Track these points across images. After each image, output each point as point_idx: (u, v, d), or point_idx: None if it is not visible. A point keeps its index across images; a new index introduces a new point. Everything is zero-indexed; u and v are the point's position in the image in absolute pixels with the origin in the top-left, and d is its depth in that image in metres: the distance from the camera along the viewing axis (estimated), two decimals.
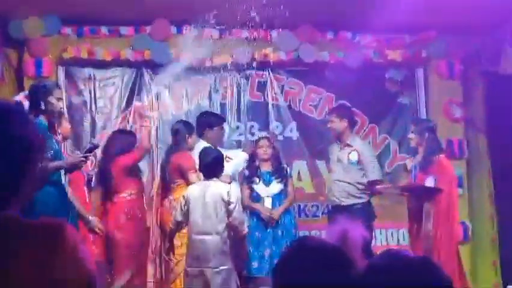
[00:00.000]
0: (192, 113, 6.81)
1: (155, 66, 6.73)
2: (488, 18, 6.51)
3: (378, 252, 1.75)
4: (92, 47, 6.68)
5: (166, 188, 5.80)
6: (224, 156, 5.25)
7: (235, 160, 5.97)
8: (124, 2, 6.07)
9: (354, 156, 5.96)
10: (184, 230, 5.15)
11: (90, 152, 4.72)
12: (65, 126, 5.30)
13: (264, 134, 6.67)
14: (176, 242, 5.34)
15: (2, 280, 1.35)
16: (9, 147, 1.44)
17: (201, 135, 5.85)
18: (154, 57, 6.70)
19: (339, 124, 6.02)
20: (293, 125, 7.17)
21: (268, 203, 5.96)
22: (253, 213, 5.96)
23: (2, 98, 5.72)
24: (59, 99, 4.60)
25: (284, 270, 1.82)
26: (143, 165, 6.40)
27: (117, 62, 6.82)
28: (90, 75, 6.84)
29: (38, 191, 4.10)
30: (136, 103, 5.66)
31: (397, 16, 5.73)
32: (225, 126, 6.42)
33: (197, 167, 5.23)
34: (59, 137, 4.69)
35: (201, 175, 5.14)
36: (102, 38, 6.76)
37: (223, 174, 5.15)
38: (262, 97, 7.15)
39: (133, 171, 5.55)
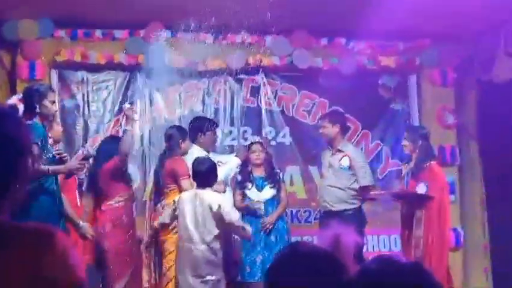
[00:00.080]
0: (185, 117, 6.81)
1: (148, 70, 6.72)
2: (481, 26, 6.55)
3: (370, 258, 1.75)
4: (85, 50, 6.67)
5: (159, 193, 5.78)
6: (216, 161, 5.25)
7: (227, 165, 5.96)
8: (119, 6, 6.07)
9: (345, 162, 5.97)
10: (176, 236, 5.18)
11: (86, 159, 4.74)
12: (57, 129, 5.27)
13: (256, 138, 6.67)
14: (169, 246, 5.34)
15: None
16: (1, 149, 1.44)
17: (193, 140, 5.84)
18: (147, 61, 6.69)
19: (331, 130, 6.03)
20: (286, 130, 7.18)
21: (260, 207, 5.95)
22: (246, 219, 5.95)
23: None
24: (53, 102, 4.59)
25: (276, 275, 1.82)
26: (134, 170, 6.39)
27: (110, 66, 6.81)
28: (83, 78, 6.83)
29: (31, 197, 4.09)
30: (125, 105, 5.63)
31: (391, 23, 5.76)
32: (218, 131, 6.41)
33: (190, 172, 5.24)
34: (50, 141, 4.67)
35: (194, 182, 5.15)
36: (96, 41, 6.75)
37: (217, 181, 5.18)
38: (256, 102, 7.16)
39: (121, 177, 5.48)
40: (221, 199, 5.05)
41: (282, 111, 7.19)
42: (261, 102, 7.15)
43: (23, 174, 1.47)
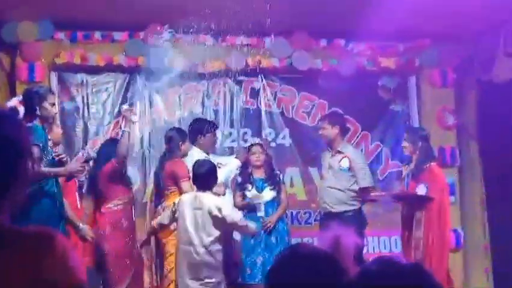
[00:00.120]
0: (185, 119, 6.81)
1: (148, 72, 6.72)
2: (480, 26, 6.56)
3: (370, 259, 1.75)
4: (85, 52, 6.67)
5: (159, 195, 5.79)
6: (216, 163, 5.26)
7: (227, 167, 5.96)
8: (118, 8, 6.07)
9: (345, 163, 5.97)
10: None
11: (87, 162, 4.75)
12: (56, 131, 5.26)
13: (256, 140, 6.66)
14: (170, 248, 5.35)
15: None
16: (1, 150, 1.44)
17: (193, 142, 5.84)
18: (147, 62, 6.69)
19: (330, 131, 6.02)
20: (286, 131, 7.18)
21: (260, 209, 5.95)
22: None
23: None
24: (53, 104, 4.59)
25: (277, 277, 1.82)
26: (134, 172, 6.39)
27: (110, 68, 6.80)
28: (83, 80, 6.83)
29: (32, 200, 4.09)
30: (123, 106, 5.63)
31: (390, 24, 5.76)
32: (218, 132, 6.42)
33: (190, 174, 5.24)
34: (50, 143, 4.67)
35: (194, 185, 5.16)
36: (95, 44, 6.75)
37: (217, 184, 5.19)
38: (255, 104, 7.16)
39: (120, 180, 5.48)
40: (220, 202, 5.05)
41: (282, 113, 7.19)
42: (260, 103, 7.15)
43: (23, 177, 1.48)
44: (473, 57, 7.08)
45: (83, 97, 6.83)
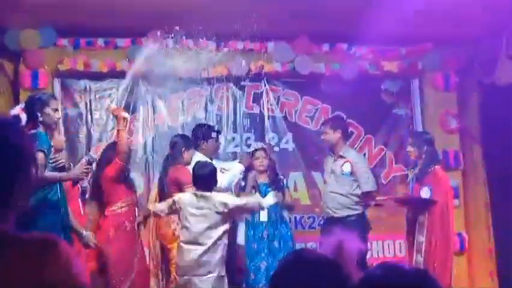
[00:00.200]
0: (188, 124, 6.81)
1: (151, 78, 6.72)
2: (482, 29, 6.55)
3: (374, 264, 1.74)
4: (88, 59, 6.68)
5: (163, 200, 5.78)
6: (219, 168, 5.27)
7: (231, 171, 5.96)
8: (120, 14, 6.08)
9: (347, 168, 5.95)
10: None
11: (90, 164, 4.75)
12: (58, 138, 5.25)
13: (260, 144, 6.66)
14: (176, 254, 5.35)
15: None
16: (4, 158, 1.44)
17: (196, 147, 5.85)
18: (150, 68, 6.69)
19: (332, 136, 6.01)
20: (289, 136, 7.18)
21: (264, 214, 5.95)
22: (250, 226, 5.95)
23: None
24: (56, 110, 4.58)
25: (281, 282, 1.82)
26: (138, 177, 6.39)
27: (113, 74, 6.81)
28: (86, 87, 6.84)
29: (34, 208, 4.10)
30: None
31: (392, 28, 5.75)
32: (221, 137, 6.42)
33: None
34: (52, 150, 4.67)
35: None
36: (98, 50, 6.76)
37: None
38: (258, 108, 7.16)
39: (123, 182, 5.50)
40: (223, 197, 5.10)
41: (285, 117, 7.19)
42: (263, 108, 7.15)
43: (27, 183, 1.48)
44: (475, 60, 7.07)
45: (86, 103, 6.84)
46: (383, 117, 7.33)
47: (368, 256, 6.52)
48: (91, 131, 6.83)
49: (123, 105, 6.77)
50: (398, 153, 7.22)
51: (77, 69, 6.65)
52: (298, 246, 6.17)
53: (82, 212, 5.31)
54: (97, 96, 6.87)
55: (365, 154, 7.07)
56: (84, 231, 4.97)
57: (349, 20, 6.04)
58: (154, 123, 6.93)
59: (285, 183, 6.23)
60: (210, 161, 5.63)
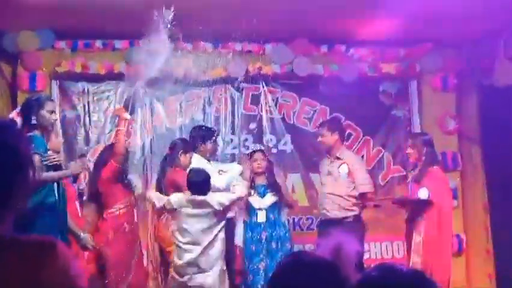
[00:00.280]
0: (186, 126, 6.82)
1: (149, 80, 6.72)
2: (481, 30, 6.55)
3: (372, 266, 1.74)
4: (86, 61, 6.68)
5: None
6: (218, 170, 5.32)
7: (229, 173, 5.96)
8: (119, 16, 6.07)
9: (344, 169, 5.95)
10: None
11: (84, 156, 4.78)
12: (55, 141, 5.22)
13: (258, 146, 6.66)
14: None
15: None
16: (2, 160, 1.44)
17: (194, 149, 5.85)
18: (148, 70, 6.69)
19: (330, 138, 6.01)
20: (287, 137, 7.17)
21: (262, 215, 5.96)
22: (248, 227, 5.95)
23: None
24: (52, 111, 4.54)
25: (279, 284, 1.82)
26: (136, 179, 6.39)
27: (111, 76, 6.81)
28: (84, 89, 6.84)
29: (32, 211, 4.09)
30: (116, 106, 5.67)
31: (390, 29, 5.76)
32: (219, 139, 6.42)
33: None
34: (50, 152, 4.64)
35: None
36: (96, 52, 6.76)
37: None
38: (257, 110, 7.16)
39: (121, 182, 5.50)
40: (219, 196, 5.24)
41: (283, 119, 7.19)
42: (261, 110, 7.15)
43: (25, 185, 1.48)
44: (474, 62, 7.08)
45: (84, 105, 6.84)
46: (381, 119, 7.33)
47: (365, 258, 6.53)
48: (89, 133, 6.83)
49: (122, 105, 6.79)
50: (396, 155, 7.23)
51: (75, 71, 6.65)
52: (296, 247, 6.17)
53: (79, 214, 5.30)
54: (94, 98, 6.87)
55: (363, 155, 7.07)
56: (82, 233, 4.96)
57: (347, 21, 6.05)
58: (152, 124, 6.93)
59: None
60: (206, 162, 5.67)
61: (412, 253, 5.59)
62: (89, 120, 6.84)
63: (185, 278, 5.08)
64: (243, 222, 5.99)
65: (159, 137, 6.81)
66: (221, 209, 5.14)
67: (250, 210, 5.99)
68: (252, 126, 7.14)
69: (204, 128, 6.22)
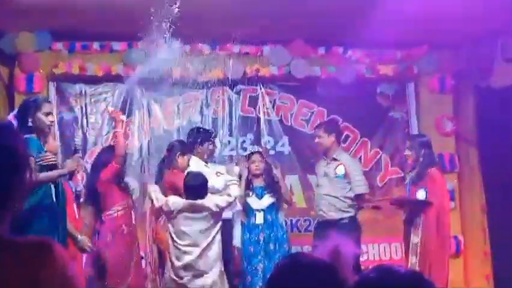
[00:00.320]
0: (184, 128, 6.82)
1: (146, 82, 6.72)
2: (478, 32, 6.56)
3: (370, 267, 1.74)
4: (83, 62, 6.67)
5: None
6: (215, 172, 5.34)
7: (226, 175, 5.96)
8: (116, 18, 6.07)
9: (340, 171, 5.96)
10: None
11: (77, 152, 4.79)
12: (52, 144, 5.18)
13: (256, 148, 6.66)
14: None
15: None
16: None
17: (191, 151, 5.85)
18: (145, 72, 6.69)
19: (326, 139, 6.02)
20: (285, 139, 7.18)
21: (260, 216, 5.96)
22: (246, 228, 5.95)
23: None
24: (49, 113, 4.52)
25: (277, 286, 1.82)
26: (133, 181, 6.38)
27: (108, 78, 6.81)
28: (81, 90, 6.83)
29: (29, 212, 4.08)
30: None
31: (388, 31, 5.76)
32: (217, 141, 6.42)
33: None
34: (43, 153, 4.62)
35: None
36: (93, 54, 6.76)
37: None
38: (254, 112, 7.16)
39: (119, 184, 5.50)
40: (217, 200, 5.29)
41: (281, 121, 7.20)
42: (259, 112, 7.15)
43: (22, 186, 1.48)
44: (471, 63, 7.08)
45: (81, 107, 6.83)
46: (378, 121, 7.34)
47: (363, 259, 6.54)
48: (87, 134, 6.82)
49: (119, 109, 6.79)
50: (393, 156, 7.23)
51: (73, 73, 6.64)
52: (294, 249, 6.16)
53: (77, 216, 5.29)
54: (92, 100, 6.85)
55: (360, 157, 7.08)
56: (79, 236, 4.95)
57: (345, 23, 6.05)
58: (150, 126, 6.92)
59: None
60: (204, 164, 5.68)
61: (410, 254, 5.59)
62: (87, 122, 6.83)
63: (185, 279, 5.10)
64: (241, 223, 5.99)
65: (157, 139, 6.81)
66: (218, 210, 5.19)
67: (248, 211, 5.99)
68: (250, 128, 7.15)
69: (201, 129, 6.23)
